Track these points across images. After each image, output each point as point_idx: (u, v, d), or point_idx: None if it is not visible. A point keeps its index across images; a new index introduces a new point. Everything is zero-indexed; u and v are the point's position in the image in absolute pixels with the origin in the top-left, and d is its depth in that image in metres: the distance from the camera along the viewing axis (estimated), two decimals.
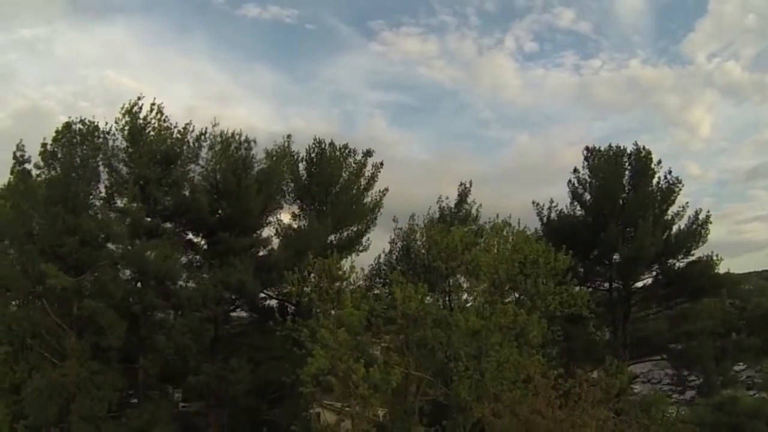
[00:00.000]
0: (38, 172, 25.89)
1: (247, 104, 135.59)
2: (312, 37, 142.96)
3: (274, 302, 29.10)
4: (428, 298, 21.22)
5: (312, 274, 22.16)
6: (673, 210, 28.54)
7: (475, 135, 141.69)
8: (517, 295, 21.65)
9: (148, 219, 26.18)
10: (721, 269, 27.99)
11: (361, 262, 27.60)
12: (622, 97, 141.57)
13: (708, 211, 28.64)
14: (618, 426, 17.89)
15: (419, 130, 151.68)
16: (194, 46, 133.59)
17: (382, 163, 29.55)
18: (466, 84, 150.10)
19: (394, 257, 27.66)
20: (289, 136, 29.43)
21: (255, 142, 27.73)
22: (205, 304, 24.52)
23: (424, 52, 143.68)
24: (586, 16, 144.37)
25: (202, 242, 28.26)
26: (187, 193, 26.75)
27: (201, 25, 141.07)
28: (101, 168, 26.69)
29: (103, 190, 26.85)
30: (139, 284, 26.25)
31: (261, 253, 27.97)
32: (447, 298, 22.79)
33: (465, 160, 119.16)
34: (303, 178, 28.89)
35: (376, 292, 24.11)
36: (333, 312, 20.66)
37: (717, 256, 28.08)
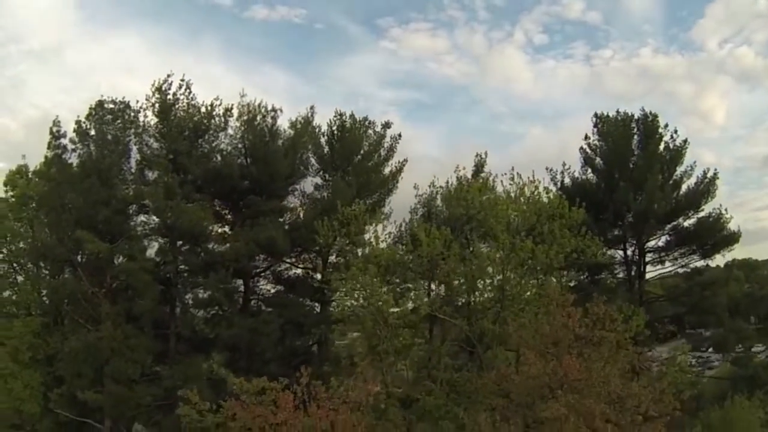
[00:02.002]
0: (73, 147, 27.32)
1: None
2: (321, 36, 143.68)
3: (299, 271, 30.17)
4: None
5: (338, 238, 23.35)
6: (681, 170, 29.41)
7: (489, 130, 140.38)
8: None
9: (179, 190, 27.24)
10: (732, 226, 28.72)
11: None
12: (634, 87, 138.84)
13: (716, 169, 29.49)
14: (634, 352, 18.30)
15: (433, 127, 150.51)
16: (204, 50, 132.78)
17: (400, 135, 30.60)
18: (478, 78, 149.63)
19: (416, 223, 28.45)
20: (312, 107, 30.30)
21: (281, 110, 28.70)
22: (237, 260, 25.43)
23: (434, 47, 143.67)
24: (596, 5, 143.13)
25: (229, 215, 29.40)
26: (217, 159, 27.80)
27: (210, 28, 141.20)
28: (132, 143, 27.92)
29: (134, 164, 28.04)
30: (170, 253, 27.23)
31: (288, 221, 28.97)
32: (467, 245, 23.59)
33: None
34: (325, 150, 29.91)
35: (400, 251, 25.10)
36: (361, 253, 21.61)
37: (726, 210, 28.89)
